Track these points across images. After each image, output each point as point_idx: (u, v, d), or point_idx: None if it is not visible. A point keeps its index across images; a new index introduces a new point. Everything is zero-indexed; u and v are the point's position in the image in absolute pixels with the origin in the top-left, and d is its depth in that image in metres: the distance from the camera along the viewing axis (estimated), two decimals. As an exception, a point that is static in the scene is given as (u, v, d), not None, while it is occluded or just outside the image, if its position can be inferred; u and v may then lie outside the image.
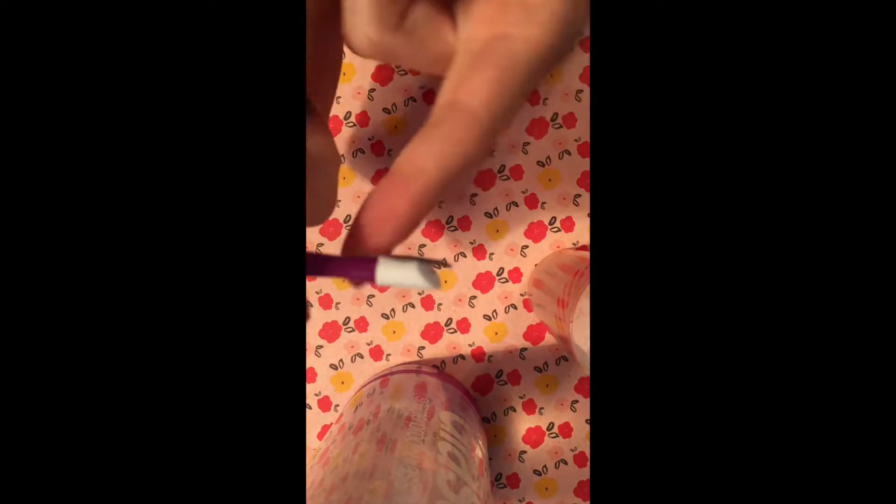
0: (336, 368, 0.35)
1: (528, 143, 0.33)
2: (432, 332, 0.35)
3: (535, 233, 0.34)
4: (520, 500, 0.36)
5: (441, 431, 0.25)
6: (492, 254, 0.34)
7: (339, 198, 0.34)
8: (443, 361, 0.35)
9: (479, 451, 0.27)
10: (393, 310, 0.35)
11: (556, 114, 0.33)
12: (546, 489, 0.35)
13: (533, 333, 0.35)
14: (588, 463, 0.35)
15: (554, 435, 0.35)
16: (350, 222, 0.34)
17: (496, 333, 0.35)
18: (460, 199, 0.34)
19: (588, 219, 0.34)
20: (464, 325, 0.35)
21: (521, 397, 0.35)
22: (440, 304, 0.34)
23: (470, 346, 0.35)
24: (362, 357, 0.35)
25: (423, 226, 0.34)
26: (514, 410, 0.35)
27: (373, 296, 0.34)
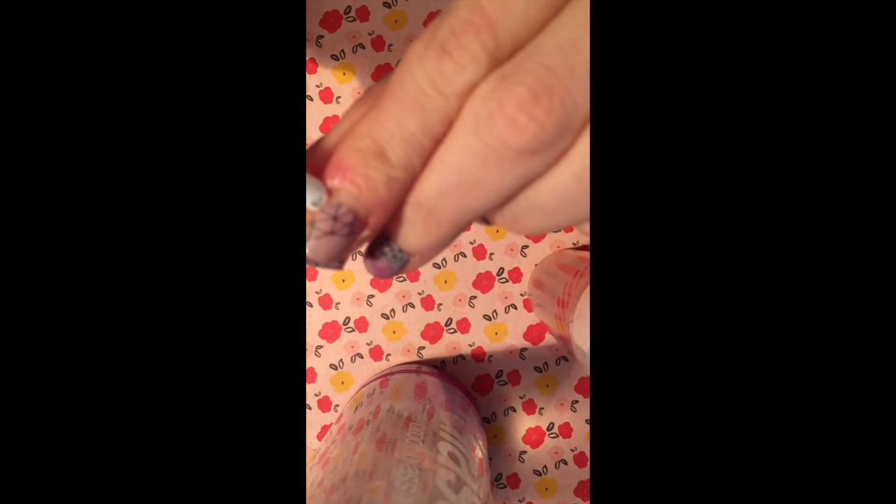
0: (336, 368, 0.35)
1: (528, 143, 0.33)
2: (432, 332, 0.35)
3: (535, 233, 0.34)
4: (520, 500, 0.36)
5: (441, 431, 0.25)
6: (492, 254, 0.34)
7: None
8: (443, 361, 0.35)
9: (479, 451, 0.27)
10: (393, 310, 0.35)
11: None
12: (546, 489, 0.35)
13: (533, 333, 0.35)
14: (588, 463, 0.35)
15: (554, 435, 0.35)
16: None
17: (496, 333, 0.35)
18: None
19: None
20: (464, 325, 0.35)
21: (521, 397, 0.35)
22: (440, 304, 0.34)
23: (470, 346, 0.35)
24: (362, 357, 0.35)
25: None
26: (514, 410, 0.35)
27: (373, 296, 0.34)
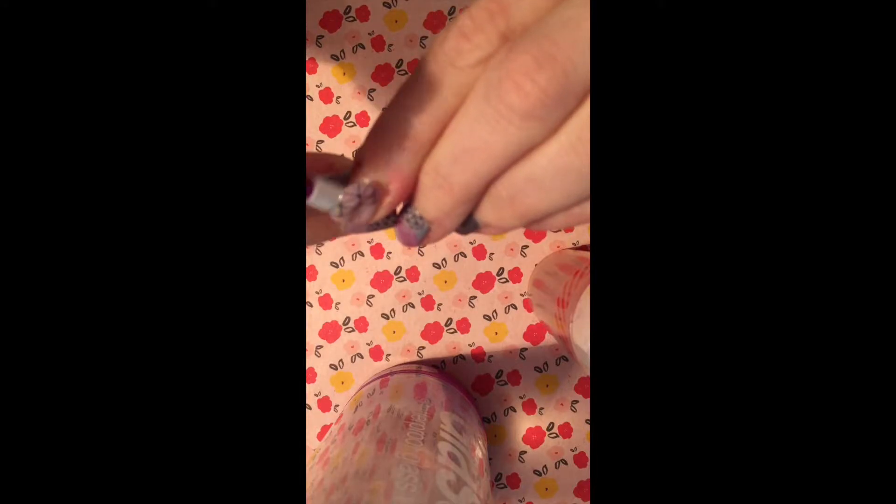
0: (336, 368, 0.35)
1: (528, 143, 0.33)
2: (432, 332, 0.35)
3: (535, 233, 0.34)
4: (520, 501, 0.36)
5: (441, 431, 0.25)
6: (492, 254, 0.34)
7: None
8: (443, 361, 0.35)
9: (479, 451, 0.27)
10: (393, 310, 0.35)
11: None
12: (546, 489, 0.35)
13: (533, 333, 0.35)
14: (588, 463, 0.35)
15: (554, 435, 0.35)
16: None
17: (496, 333, 0.35)
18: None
19: (588, 219, 0.34)
20: (464, 325, 0.35)
21: (521, 397, 0.35)
22: (440, 304, 0.34)
23: (470, 346, 0.35)
24: (362, 357, 0.35)
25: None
26: (514, 410, 0.35)
27: (373, 296, 0.34)
